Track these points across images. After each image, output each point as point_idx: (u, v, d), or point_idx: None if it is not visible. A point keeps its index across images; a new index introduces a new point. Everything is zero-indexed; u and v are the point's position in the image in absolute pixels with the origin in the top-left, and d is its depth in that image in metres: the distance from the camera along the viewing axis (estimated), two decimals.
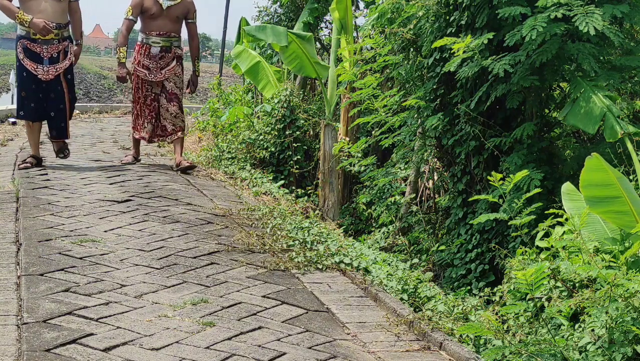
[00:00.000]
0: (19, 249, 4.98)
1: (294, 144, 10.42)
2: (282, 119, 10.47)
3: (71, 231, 5.47)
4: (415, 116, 7.26)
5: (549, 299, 4.14)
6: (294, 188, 9.80)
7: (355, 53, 9.35)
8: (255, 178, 8.72)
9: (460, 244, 6.38)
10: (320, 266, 5.17)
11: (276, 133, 10.42)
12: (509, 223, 4.96)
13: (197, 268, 4.88)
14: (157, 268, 4.80)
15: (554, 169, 5.96)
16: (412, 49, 7.18)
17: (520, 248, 4.78)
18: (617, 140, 5.12)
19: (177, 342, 3.66)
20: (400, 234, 7.61)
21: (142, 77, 8.11)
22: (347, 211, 9.53)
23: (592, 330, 3.63)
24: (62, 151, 8.13)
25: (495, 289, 4.75)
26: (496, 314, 4.33)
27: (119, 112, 16.97)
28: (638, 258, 4.09)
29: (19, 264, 4.65)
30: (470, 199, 5.96)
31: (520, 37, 5.35)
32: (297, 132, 10.47)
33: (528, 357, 3.62)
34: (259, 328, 3.95)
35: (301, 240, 5.63)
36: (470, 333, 4.01)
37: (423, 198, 8.15)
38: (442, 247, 6.66)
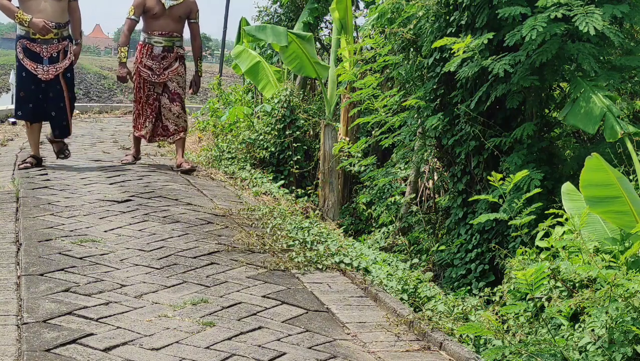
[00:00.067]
0: (19, 249, 4.98)
1: (294, 144, 10.42)
2: (282, 119, 10.47)
3: (71, 231, 5.47)
4: (415, 116, 7.26)
5: (549, 299, 4.14)
6: (294, 188, 9.80)
7: (355, 53, 9.35)
8: (255, 178, 8.72)
9: (460, 244, 6.38)
10: (320, 266, 5.17)
11: (276, 133, 10.43)
12: (509, 223, 4.96)
13: (197, 268, 4.88)
14: (157, 268, 4.80)
15: (554, 169, 5.96)
16: (412, 49, 7.19)
17: (520, 248, 4.78)
18: (617, 140, 5.12)
19: (177, 342, 3.66)
20: (400, 234, 7.61)
21: (145, 78, 8.09)
22: (347, 211, 9.54)
23: (592, 330, 3.63)
24: (63, 151, 8.12)
25: (495, 289, 4.75)
26: (496, 314, 4.33)
27: (119, 112, 16.97)
28: (638, 258, 4.09)
29: (19, 264, 4.65)
30: (470, 199, 5.96)
31: (520, 37, 5.35)
32: (297, 132, 10.48)
33: (528, 357, 3.62)
34: (259, 328, 3.95)
35: (301, 240, 5.63)
36: (470, 333, 4.01)
37: (423, 198, 8.15)
38: (442, 247, 6.66)
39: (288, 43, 10.29)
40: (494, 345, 3.94)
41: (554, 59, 5.52)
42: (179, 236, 5.58)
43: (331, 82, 10.54)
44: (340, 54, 9.95)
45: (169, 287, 4.46)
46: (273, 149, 10.36)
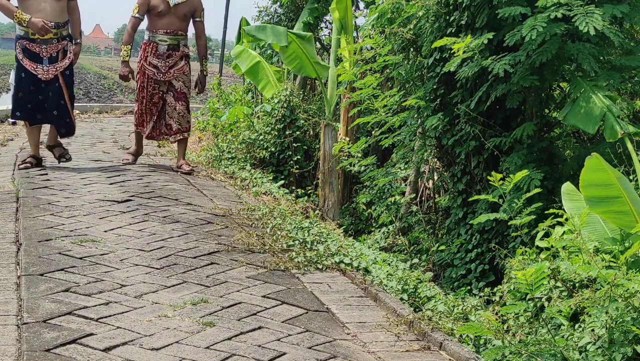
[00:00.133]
0: (19, 249, 4.98)
1: (294, 144, 10.42)
2: (282, 119, 10.48)
3: (71, 231, 5.46)
4: (415, 116, 7.26)
5: (549, 299, 4.14)
6: (294, 188, 9.81)
7: (355, 53, 9.36)
8: (255, 178, 8.72)
9: (460, 244, 6.38)
10: (320, 266, 5.17)
11: (276, 133, 10.43)
12: (509, 223, 4.96)
13: (197, 268, 4.88)
14: (157, 268, 4.80)
15: (554, 169, 5.96)
16: (412, 49, 7.19)
17: (520, 248, 4.78)
18: (617, 140, 5.12)
19: (177, 342, 3.66)
20: (400, 234, 7.61)
21: (150, 76, 8.05)
22: (347, 211, 9.54)
23: (592, 330, 3.63)
24: (64, 155, 8.08)
25: (495, 289, 4.75)
26: (496, 314, 4.33)
27: (119, 112, 16.97)
28: (638, 258, 4.09)
29: (19, 264, 4.65)
30: (470, 199, 5.96)
31: (520, 37, 5.36)
32: (297, 132, 10.48)
33: (528, 357, 3.62)
34: (259, 328, 3.95)
35: (301, 240, 5.63)
36: (470, 333, 4.01)
37: (423, 198, 8.16)
38: (442, 247, 6.66)
39: (288, 43, 10.29)
40: (494, 345, 3.94)
41: (554, 59, 5.52)
42: (179, 236, 5.58)
43: (331, 82, 10.54)
44: (340, 54, 9.95)
45: (169, 287, 4.46)
46: (273, 149, 10.36)
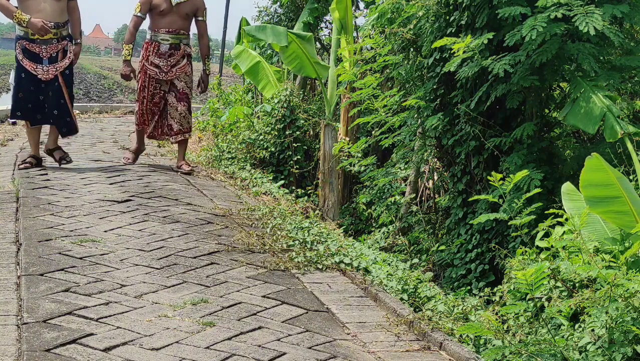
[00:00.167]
0: (19, 249, 4.98)
1: (294, 144, 10.42)
2: (282, 119, 10.48)
3: (71, 231, 5.46)
4: (415, 116, 7.26)
5: (549, 299, 4.14)
6: (294, 188, 9.81)
7: (355, 53, 9.36)
8: (255, 178, 8.72)
9: (460, 244, 6.38)
10: (320, 266, 5.17)
11: (276, 133, 10.43)
12: (509, 223, 4.96)
13: (197, 268, 4.88)
14: (157, 268, 4.80)
15: (554, 169, 5.96)
16: (412, 49, 7.19)
17: (520, 248, 4.78)
18: (617, 140, 5.12)
19: (177, 342, 3.66)
20: (400, 234, 7.61)
21: (152, 76, 8.02)
22: (347, 211, 9.54)
23: (592, 330, 3.63)
24: (64, 158, 8.04)
25: (495, 289, 4.75)
26: (496, 314, 4.33)
27: (119, 112, 16.97)
28: (638, 258, 4.09)
29: (19, 264, 4.65)
30: (470, 199, 5.96)
31: (520, 37, 5.36)
32: (297, 132, 10.48)
33: (528, 357, 3.62)
34: (259, 328, 3.95)
35: (301, 240, 5.63)
36: (470, 333, 4.01)
37: (423, 198, 8.16)
38: (442, 247, 6.66)
39: (288, 43, 10.29)
40: (494, 345, 3.94)
41: (554, 59, 5.52)
42: (179, 236, 5.58)
43: (331, 82, 10.55)
44: (340, 54, 9.95)
45: (169, 287, 4.46)
46: (273, 149, 10.36)
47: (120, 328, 3.77)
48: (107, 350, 3.50)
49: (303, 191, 9.54)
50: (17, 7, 7.58)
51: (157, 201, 6.65)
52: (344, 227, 8.97)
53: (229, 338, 3.77)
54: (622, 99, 6.18)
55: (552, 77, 5.93)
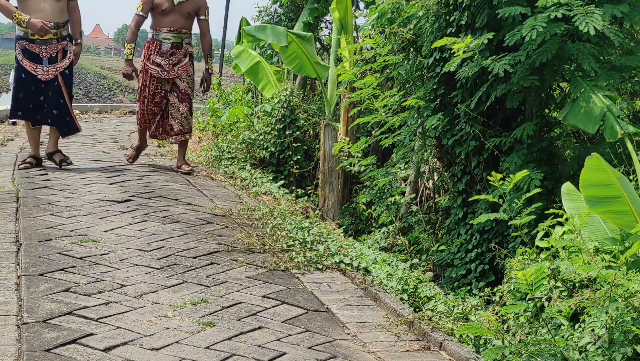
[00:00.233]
0: (19, 249, 4.98)
1: (294, 144, 10.42)
2: (282, 119, 10.48)
3: (71, 231, 5.47)
4: (415, 116, 7.26)
5: (549, 299, 4.14)
6: (294, 188, 9.81)
7: (355, 53, 9.36)
8: (255, 178, 8.71)
9: (460, 244, 6.38)
10: (320, 266, 5.17)
11: (276, 133, 10.43)
12: (509, 223, 4.96)
13: (197, 268, 4.88)
14: (157, 268, 4.80)
15: (554, 169, 5.96)
16: (412, 49, 7.19)
17: (520, 248, 4.78)
18: (617, 140, 5.12)
19: (177, 342, 3.66)
20: (400, 234, 7.61)
21: (154, 75, 8.00)
22: (347, 211, 9.54)
23: (592, 330, 3.63)
24: (65, 160, 8.02)
25: (495, 289, 4.75)
26: (496, 314, 4.33)
27: (119, 112, 16.96)
28: (638, 258, 4.10)
29: (19, 264, 4.65)
30: (470, 199, 5.96)
31: (520, 37, 5.36)
32: (297, 132, 10.48)
33: (528, 357, 3.62)
34: (259, 328, 3.95)
35: (301, 240, 5.63)
36: (470, 333, 4.01)
37: (423, 198, 8.16)
38: (442, 247, 6.66)
39: (288, 43, 10.29)
40: (494, 345, 3.94)
41: (554, 59, 5.52)
42: (179, 236, 5.58)
43: (331, 82, 10.55)
44: (340, 54, 9.95)
45: (169, 287, 4.46)
46: (273, 149, 10.36)
47: (120, 328, 3.77)
48: (107, 350, 3.50)
49: (303, 191, 9.53)
50: (16, 7, 7.57)
51: (157, 201, 6.65)
52: (344, 227, 8.97)
53: (229, 338, 3.77)
54: (622, 99, 6.18)
55: (552, 77, 5.93)
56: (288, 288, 4.65)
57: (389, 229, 7.75)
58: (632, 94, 6.78)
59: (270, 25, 11.40)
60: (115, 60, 65.25)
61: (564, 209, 4.64)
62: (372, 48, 8.23)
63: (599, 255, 4.13)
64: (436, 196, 7.97)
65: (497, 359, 3.75)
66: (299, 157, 10.40)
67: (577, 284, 4.10)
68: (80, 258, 4.83)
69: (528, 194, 4.90)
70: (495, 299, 4.66)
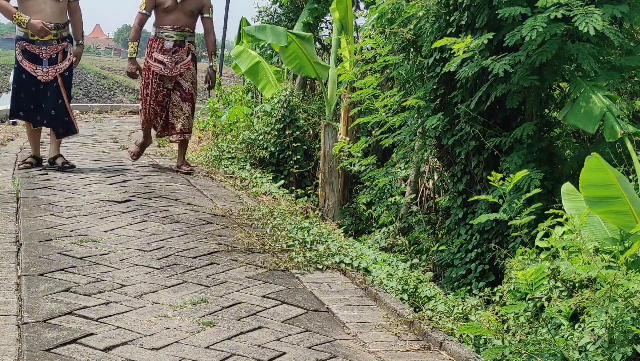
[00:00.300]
0: (19, 249, 4.98)
1: (294, 144, 10.42)
2: (282, 119, 10.48)
3: (71, 231, 5.47)
4: (415, 116, 7.26)
5: (549, 299, 4.14)
6: (294, 188, 9.80)
7: (355, 53, 9.36)
8: (255, 178, 8.71)
9: (460, 244, 6.38)
10: (320, 266, 5.17)
11: (276, 133, 10.43)
12: (509, 223, 4.96)
13: (197, 268, 4.88)
14: (157, 268, 4.80)
15: (554, 169, 5.96)
16: (412, 49, 7.19)
17: (520, 248, 4.78)
18: (617, 140, 5.12)
19: (177, 342, 3.66)
20: (400, 234, 7.61)
21: (156, 72, 7.98)
22: (347, 211, 9.54)
23: (592, 330, 3.63)
24: (67, 162, 8.00)
25: (495, 289, 4.75)
26: (496, 314, 4.33)
27: (119, 112, 16.96)
28: (638, 258, 4.10)
29: (19, 264, 4.65)
30: (470, 199, 5.96)
31: (520, 37, 5.36)
32: (297, 132, 10.48)
33: (528, 357, 3.62)
34: (259, 328, 3.95)
35: (301, 240, 5.63)
36: (470, 333, 4.01)
37: (423, 198, 8.16)
38: (442, 247, 6.66)
39: (288, 43, 10.29)
40: (494, 345, 3.94)
41: (554, 59, 5.52)
42: (179, 236, 5.58)
43: (331, 82, 10.54)
44: (340, 54, 9.95)
45: (169, 287, 4.47)
46: (273, 149, 10.36)
47: (120, 328, 3.77)
48: (107, 350, 3.50)
49: (303, 191, 9.53)
50: (16, 8, 7.55)
51: (157, 201, 6.66)
52: (344, 227, 8.97)
53: (229, 338, 3.77)
54: (622, 99, 6.18)
55: (552, 77, 5.93)
56: (288, 288, 4.65)
57: (389, 229, 7.75)
58: (632, 94, 6.78)
59: (270, 25, 11.40)
60: (115, 60, 65.24)
61: (564, 209, 4.64)
62: (372, 48, 8.23)
63: (599, 255, 4.13)
64: (436, 196, 7.97)
65: (497, 359, 3.75)
66: (299, 157, 10.40)
67: (577, 284, 4.10)
68: (80, 258, 4.83)
69: (528, 194, 4.90)
70: (495, 299, 4.66)
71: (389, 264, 5.45)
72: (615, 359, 3.46)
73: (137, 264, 4.83)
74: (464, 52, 5.81)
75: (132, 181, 7.43)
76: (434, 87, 6.72)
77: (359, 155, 8.67)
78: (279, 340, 3.81)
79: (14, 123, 12.64)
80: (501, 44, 5.75)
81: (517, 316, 4.23)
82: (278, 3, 13.93)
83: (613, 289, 3.61)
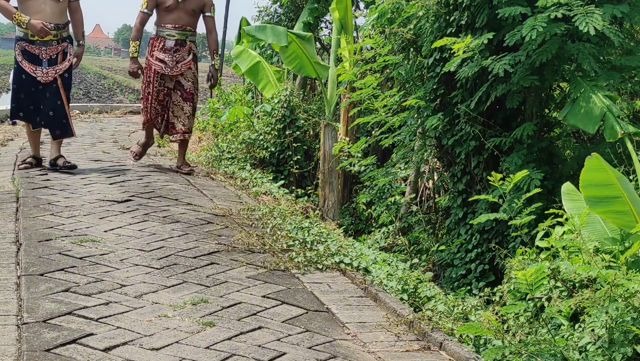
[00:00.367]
0: (19, 249, 4.98)
1: (294, 144, 10.42)
2: (282, 119, 10.48)
3: (71, 231, 5.47)
4: (415, 116, 7.26)
5: (549, 299, 4.14)
6: (294, 188, 9.80)
7: (355, 53, 9.36)
8: (255, 178, 8.71)
9: (460, 244, 6.38)
10: (320, 266, 5.17)
11: (276, 133, 10.43)
12: (509, 223, 4.96)
13: (197, 268, 4.88)
14: (157, 268, 4.80)
15: (554, 169, 5.96)
16: (412, 49, 7.19)
17: (520, 248, 4.78)
18: (617, 140, 5.12)
19: (177, 342, 3.66)
20: (400, 234, 7.61)
21: (157, 71, 7.96)
22: (347, 211, 9.54)
23: (592, 330, 3.63)
24: (68, 162, 7.99)
25: (495, 289, 4.75)
26: (496, 314, 4.33)
27: (119, 112, 16.95)
28: (638, 258, 4.10)
29: (19, 264, 4.66)
30: (470, 199, 5.96)
31: (520, 37, 5.36)
32: (297, 132, 10.48)
33: (528, 357, 3.62)
34: (259, 328, 3.95)
35: (301, 240, 5.63)
36: (470, 333, 4.01)
37: (423, 198, 8.16)
38: (442, 247, 6.66)
39: (288, 43, 10.29)
40: (494, 345, 3.94)
41: (554, 59, 5.52)
42: (179, 236, 5.58)
43: (331, 82, 10.54)
44: (340, 54, 9.95)
45: (169, 287, 4.47)
46: (273, 149, 10.36)
47: (120, 328, 3.77)
48: (107, 350, 3.50)
49: (303, 191, 9.53)
50: (16, 8, 7.54)
51: (157, 201, 6.66)
52: (344, 227, 8.96)
53: (229, 338, 3.77)
54: (622, 99, 6.18)
55: (552, 77, 5.93)
56: (288, 288, 4.65)
57: (389, 229, 7.75)
58: (632, 94, 6.78)
59: (270, 25, 11.40)
60: (115, 60, 65.23)
61: (564, 209, 4.64)
62: (372, 48, 8.22)
63: (599, 255, 4.13)
64: (436, 196, 7.97)
65: (497, 359, 3.75)
66: (299, 157, 10.40)
67: (577, 284, 4.10)
68: (80, 258, 4.83)
69: (528, 194, 4.90)
70: (495, 299, 4.66)
71: (389, 264, 5.45)
72: (615, 359, 3.46)
73: (137, 264, 4.84)
74: (464, 52, 5.81)
75: (132, 181, 7.43)
76: (434, 87, 6.72)
77: (359, 155, 8.67)
78: (279, 340, 3.81)
79: (14, 123, 12.65)
80: (501, 44, 5.75)
81: (517, 316, 4.23)
82: (278, 3, 13.93)
83: (613, 289, 3.61)
